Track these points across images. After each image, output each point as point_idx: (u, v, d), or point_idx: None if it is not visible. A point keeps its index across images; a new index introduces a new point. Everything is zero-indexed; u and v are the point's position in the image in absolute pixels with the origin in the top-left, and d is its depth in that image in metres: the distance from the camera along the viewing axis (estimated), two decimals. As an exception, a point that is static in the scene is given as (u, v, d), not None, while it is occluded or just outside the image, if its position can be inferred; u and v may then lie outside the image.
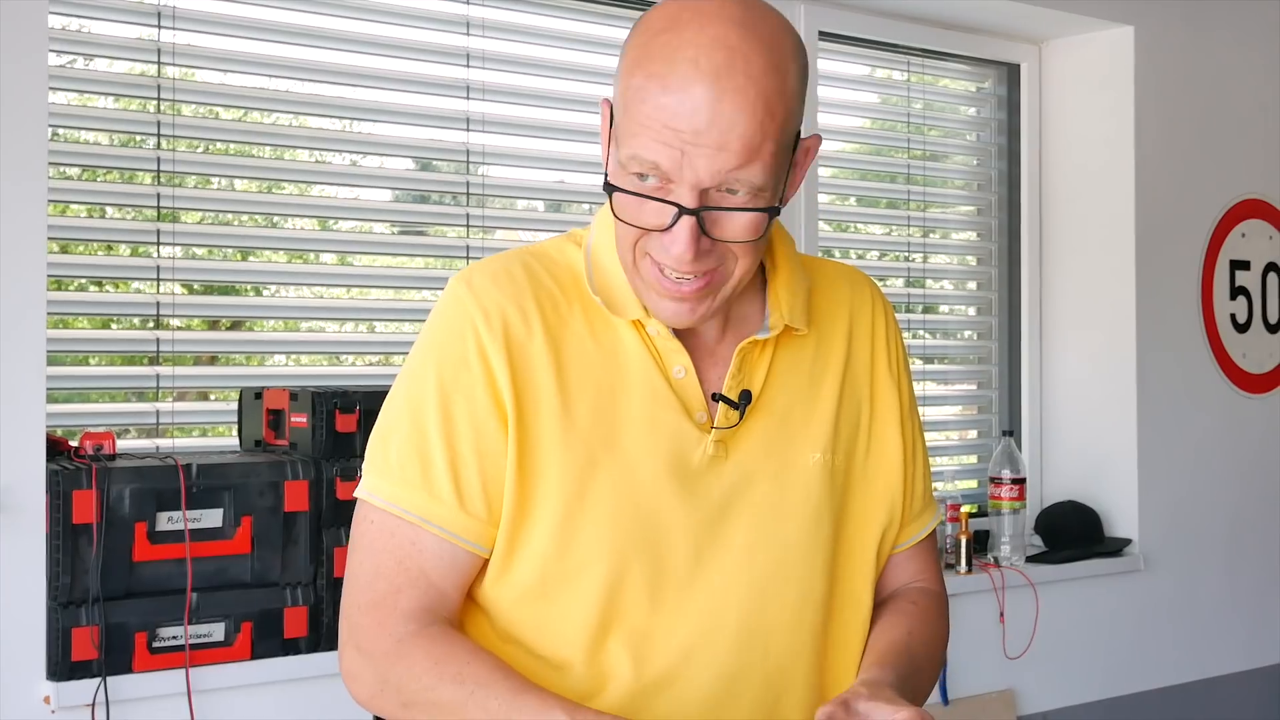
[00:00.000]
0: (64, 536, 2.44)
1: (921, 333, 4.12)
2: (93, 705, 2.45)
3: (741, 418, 1.50)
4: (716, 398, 1.49)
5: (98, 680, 2.45)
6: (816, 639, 1.53)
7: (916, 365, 4.07)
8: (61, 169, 2.79)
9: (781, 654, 1.50)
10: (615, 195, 1.40)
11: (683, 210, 1.37)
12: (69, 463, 2.50)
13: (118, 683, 2.47)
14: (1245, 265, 4.36)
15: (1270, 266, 4.43)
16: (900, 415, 1.62)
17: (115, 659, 2.47)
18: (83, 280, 2.93)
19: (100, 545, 2.45)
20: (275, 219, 3.09)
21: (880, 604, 1.62)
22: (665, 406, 1.48)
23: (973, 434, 4.27)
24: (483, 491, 1.45)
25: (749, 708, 1.49)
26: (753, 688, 1.49)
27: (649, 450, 1.47)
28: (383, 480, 1.47)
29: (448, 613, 1.46)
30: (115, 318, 2.90)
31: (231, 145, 2.99)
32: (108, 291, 2.95)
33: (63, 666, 2.45)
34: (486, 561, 1.47)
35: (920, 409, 4.53)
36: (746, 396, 1.50)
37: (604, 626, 1.45)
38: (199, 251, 2.96)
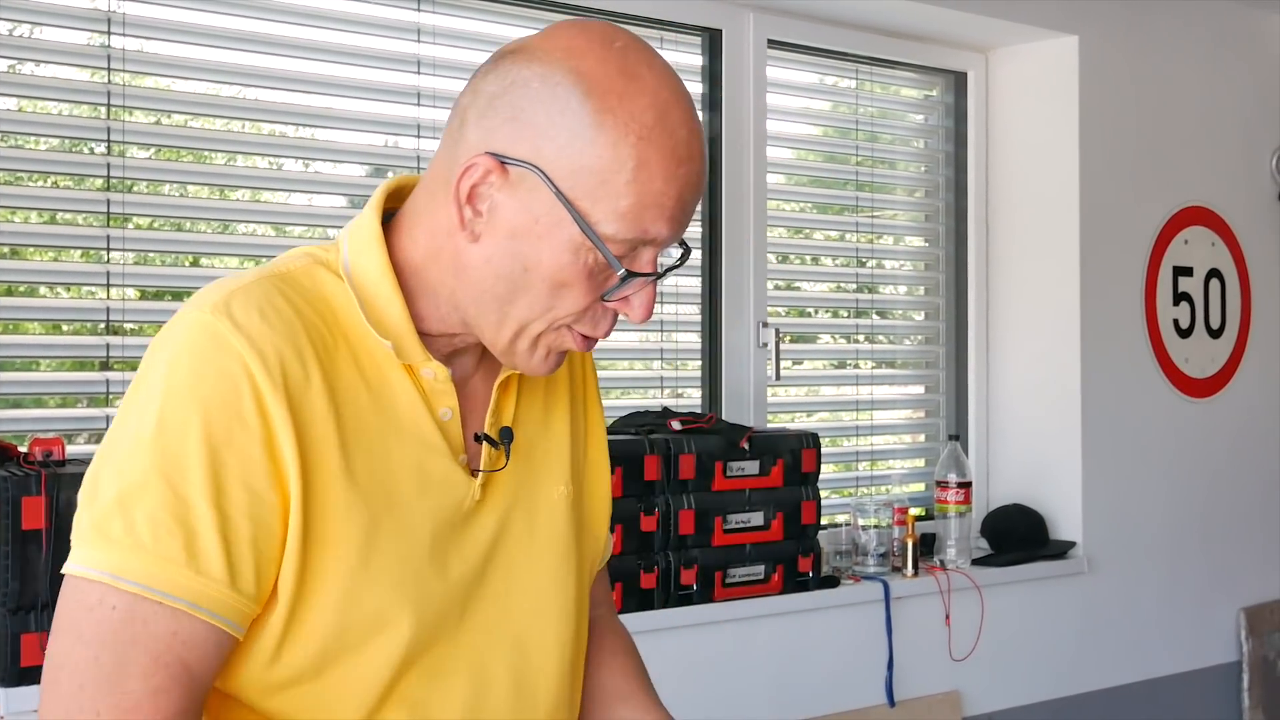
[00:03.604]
0: (13, 543, 2.42)
1: (874, 337, 4.15)
2: (43, 711, 2.44)
3: (508, 458, 1.39)
4: (479, 438, 1.38)
5: (48, 686, 2.44)
6: (574, 677, 1.49)
7: (865, 369, 4.10)
8: (12, 173, 2.78)
9: (550, 699, 1.44)
10: (629, 281, 1.28)
11: (657, 276, 1.30)
12: (18, 469, 2.49)
13: (68, 689, 2.46)
14: (1188, 271, 4.42)
15: (1213, 273, 4.50)
16: (602, 429, 1.56)
17: (65, 665, 2.46)
18: (33, 285, 2.91)
19: (50, 551, 2.43)
20: (228, 225, 3.08)
21: (598, 634, 1.59)
22: (435, 452, 1.34)
23: (920, 438, 4.31)
24: (255, 566, 1.24)
25: None
26: None
27: (424, 503, 1.33)
28: (130, 556, 1.20)
29: (200, 710, 1.24)
30: (66, 323, 2.89)
31: (183, 150, 2.98)
32: (59, 296, 2.94)
33: (12, 673, 2.44)
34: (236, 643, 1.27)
35: (869, 412, 4.51)
36: (507, 434, 1.39)
37: (383, 699, 1.31)
38: (151, 256, 2.95)
